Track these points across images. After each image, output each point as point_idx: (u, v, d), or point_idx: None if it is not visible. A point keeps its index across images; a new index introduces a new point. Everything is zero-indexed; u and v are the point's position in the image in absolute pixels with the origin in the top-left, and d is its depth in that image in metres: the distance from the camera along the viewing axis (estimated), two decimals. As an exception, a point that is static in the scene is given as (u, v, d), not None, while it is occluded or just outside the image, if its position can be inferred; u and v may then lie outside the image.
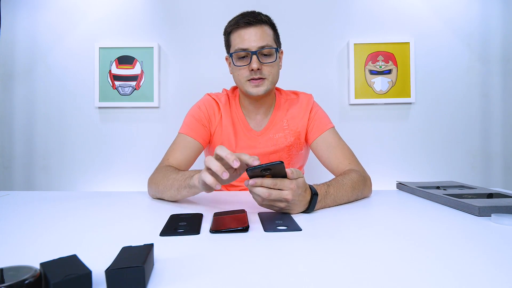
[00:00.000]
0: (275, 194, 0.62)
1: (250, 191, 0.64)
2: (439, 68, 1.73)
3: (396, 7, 1.73)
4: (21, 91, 1.72)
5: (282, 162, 0.60)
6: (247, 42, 0.93)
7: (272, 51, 0.95)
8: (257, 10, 0.99)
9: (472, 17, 1.72)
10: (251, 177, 0.62)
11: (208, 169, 0.63)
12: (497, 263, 0.41)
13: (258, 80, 0.95)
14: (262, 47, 0.93)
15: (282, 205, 0.64)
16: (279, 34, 1.02)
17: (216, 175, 0.63)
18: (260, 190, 0.61)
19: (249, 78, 0.96)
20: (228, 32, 0.99)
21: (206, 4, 1.73)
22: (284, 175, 0.63)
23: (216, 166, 0.61)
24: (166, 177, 0.82)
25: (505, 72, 1.72)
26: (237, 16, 0.97)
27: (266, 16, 0.98)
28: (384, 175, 1.69)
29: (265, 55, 0.95)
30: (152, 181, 0.87)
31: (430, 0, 1.72)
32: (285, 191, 0.62)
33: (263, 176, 0.62)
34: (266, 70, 0.95)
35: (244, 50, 0.94)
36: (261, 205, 0.66)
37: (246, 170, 0.62)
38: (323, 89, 1.73)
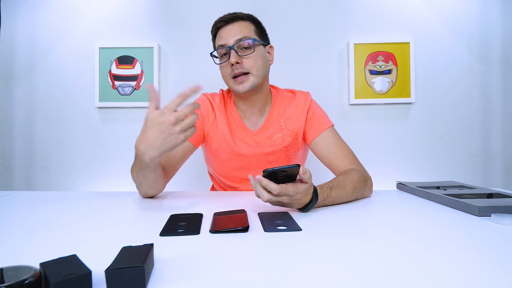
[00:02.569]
0: (274, 199, 0.64)
1: (252, 185, 0.66)
2: (439, 68, 1.73)
3: (396, 7, 1.73)
4: (21, 91, 1.72)
5: (299, 166, 0.61)
6: (224, 39, 0.94)
7: (250, 42, 0.94)
8: (255, 10, 1.01)
9: (472, 17, 1.72)
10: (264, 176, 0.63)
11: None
12: (497, 263, 0.41)
13: (242, 77, 0.94)
14: (240, 40, 0.93)
15: (278, 204, 0.67)
16: (272, 31, 1.03)
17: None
18: (260, 192, 0.64)
19: (232, 75, 0.95)
20: (213, 35, 1.01)
21: (206, 4, 1.73)
22: (296, 175, 0.64)
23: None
24: (134, 171, 0.82)
25: (505, 72, 1.72)
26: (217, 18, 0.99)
27: (248, 14, 0.99)
28: (384, 175, 1.69)
29: (244, 48, 0.94)
30: (133, 181, 0.87)
31: (430, 0, 1.72)
32: (284, 196, 0.64)
33: (277, 175, 0.63)
34: (247, 63, 0.94)
35: (222, 46, 0.94)
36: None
37: (263, 171, 0.62)
38: (323, 89, 1.73)
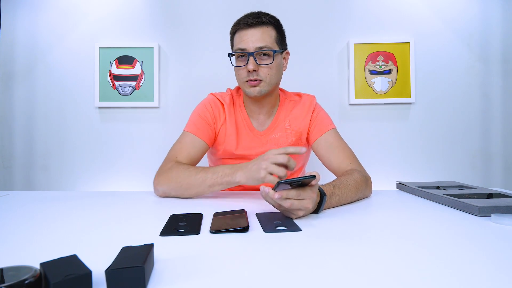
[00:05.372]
0: (296, 204, 0.61)
1: (265, 198, 0.64)
2: (439, 68, 1.73)
3: (396, 7, 1.73)
4: (21, 91, 1.72)
5: (315, 177, 0.60)
6: (245, 43, 0.93)
7: (270, 52, 0.94)
8: (259, 10, 0.99)
9: (472, 17, 1.72)
10: (278, 188, 0.61)
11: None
12: (497, 263, 0.41)
13: (255, 82, 0.95)
14: (260, 48, 0.93)
15: (301, 213, 0.63)
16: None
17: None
18: (284, 202, 0.61)
19: (247, 79, 0.96)
20: (232, 32, 1.00)
21: (206, 4, 1.73)
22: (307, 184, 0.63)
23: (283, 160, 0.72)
24: (192, 175, 0.85)
25: (505, 72, 1.72)
26: (241, 16, 0.98)
27: (272, 17, 0.98)
28: (384, 175, 1.69)
29: (263, 55, 0.95)
30: (170, 180, 0.87)
31: (430, 0, 1.72)
32: (306, 200, 0.62)
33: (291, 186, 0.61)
34: (262, 71, 0.95)
35: (242, 50, 0.94)
36: (279, 209, 0.66)
37: (278, 182, 0.59)
38: (323, 89, 1.73)
